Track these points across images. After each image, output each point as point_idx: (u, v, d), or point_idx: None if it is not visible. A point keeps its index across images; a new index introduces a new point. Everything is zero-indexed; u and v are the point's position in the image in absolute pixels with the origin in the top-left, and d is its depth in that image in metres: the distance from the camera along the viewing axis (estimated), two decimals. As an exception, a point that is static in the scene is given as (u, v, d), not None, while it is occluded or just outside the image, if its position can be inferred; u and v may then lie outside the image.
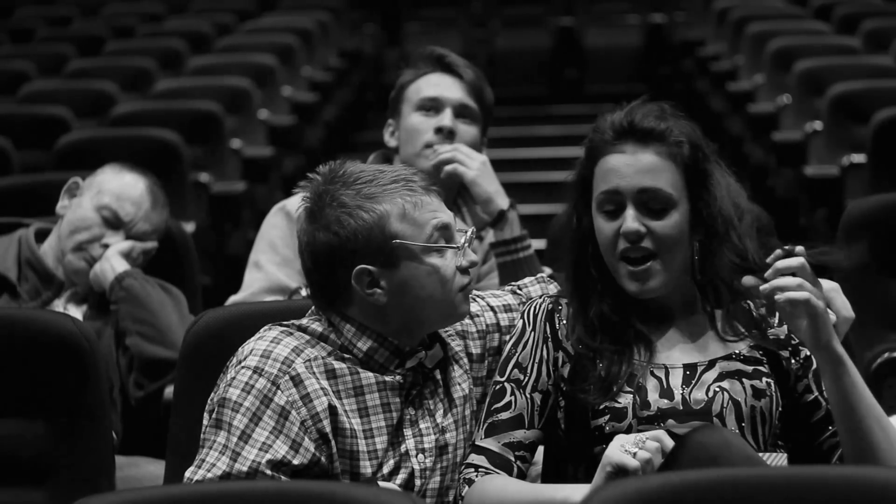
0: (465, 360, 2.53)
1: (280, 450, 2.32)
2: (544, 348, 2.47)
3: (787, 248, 2.30)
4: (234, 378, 2.36)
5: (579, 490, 2.29)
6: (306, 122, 7.98)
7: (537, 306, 2.50)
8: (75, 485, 2.71)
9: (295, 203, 3.14)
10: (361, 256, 2.38)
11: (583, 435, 2.41)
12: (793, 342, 2.45)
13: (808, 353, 2.44)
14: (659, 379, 2.40)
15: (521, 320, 2.50)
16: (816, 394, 2.44)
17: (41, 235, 3.51)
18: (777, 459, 2.33)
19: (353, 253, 2.38)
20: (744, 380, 2.40)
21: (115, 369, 3.35)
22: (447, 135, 3.26)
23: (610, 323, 2.43)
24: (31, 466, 2.75)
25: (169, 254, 3.61)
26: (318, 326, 2.43)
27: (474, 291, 2.65)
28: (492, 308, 2.59)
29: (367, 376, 2.41)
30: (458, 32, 11.18)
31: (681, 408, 2.38)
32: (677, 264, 2.40)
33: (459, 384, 2.51)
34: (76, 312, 3.41)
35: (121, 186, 3.47)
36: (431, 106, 3.30)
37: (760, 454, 2.31)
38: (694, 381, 2.40)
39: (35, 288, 3.42)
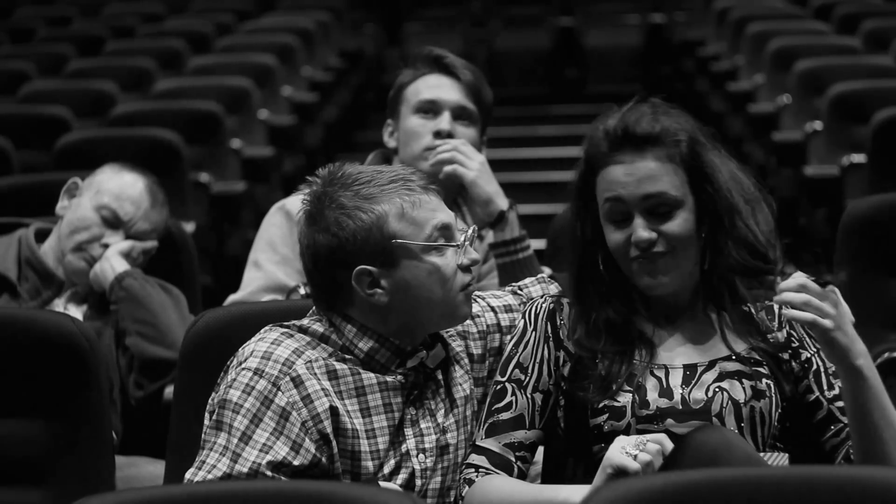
0: (466, 360, 2.53)
1: (280, 451, 2.32)
2: (545, 348, 2.47)
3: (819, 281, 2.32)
4: (234, 379, 2.36)
5: (579, 491, 2.29)
6: (306, 122, 7.98)
7: (538, 306, 2.50)
8: (75, 485, 2.70)
9: (294, 202, 3.15)
10: (361, 257, 2.38)
11: (582, 434, 2.41)
12: (793, 345, 2.45)
13: (808, 356, 2.44)
14: (659, 378, 2.40)
15: (523, 320, 2.50)
16: (817, 394, 2.44)
17: (41, 235, 3.51)
18: (778, 459, 2.33)
19: (353, 254, 2.38)
20: (744, 380, 2.40)
21: (115, 369, 3.35)
22: (445, 138, 3.26)
23: (614, 326, 2.43)
24: (31, 466, 2.75)
25: (169, 254, 3.61)
26: (318, 327, 2.43)
27: (475, 292, 2.65)
28: (492, 308, 2.59)
29: (369, 377, 2.41)
30: (458, 32, 11.18)
31: (680, 407, 2.38)
32: (689, 260, 2.41)
33: (461, 384, 2.51)
34: (76, 312, 3.41)
35: (120, 186, 3.47)
36: (430, 108, 3.30)
37: (761, 454, 2.31)
38: (694, 381, 2.40)
39: (35, 287, 3.42)
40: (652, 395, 2.38)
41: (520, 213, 3.27)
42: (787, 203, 6.59)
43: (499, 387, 2.47)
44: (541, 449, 2.53)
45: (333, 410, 2.36)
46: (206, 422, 2.38)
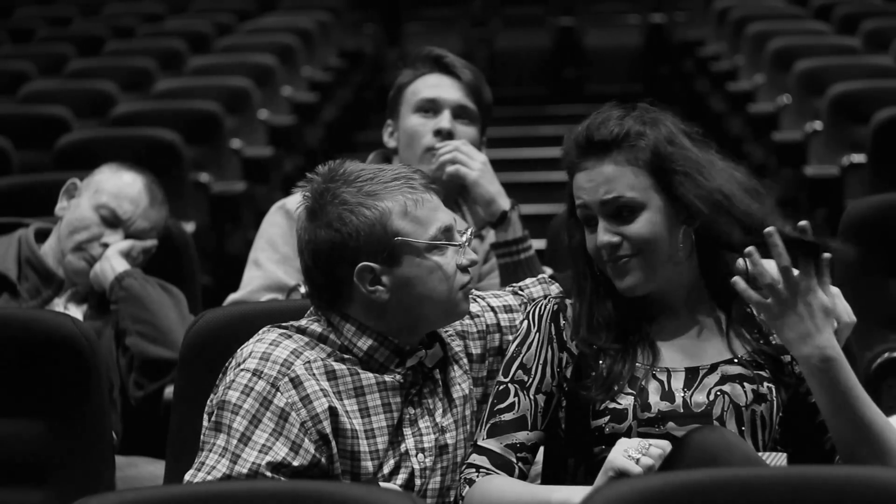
0: (465, 360, 2.53)
1: (280, 451, 2.32)
2: (549, 349, 2.47)
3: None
4: (233, 381, 2.36)
5: (579, 491, 2.29)
6: (306, 122, 7.98)
7: (542, 307, 2.50)
8: (75, 485, 2.71)
9: (295, 202, 3.14)
10: (363, 253, 2.38)
11: (583, 435, 2.41)
12: None
13: None
14: (660, 381, 2.40)
15: (526, 321, 2.50)
16: None
17: (41, 235, 3.51)
18: (777, 459, 2.33)
19: (355, 250, 2.38)
20: (745, 384, 2.40)
21: (115, 369, 3.35)
22: (446, 137, 3.27)
23: (615, 323, 2.43)
24: (31, 466, 2.75)
25: (169, 254, 3.61)
26: (317, 327, 2.43)
27: (475, 292, 2.65)
28: (492, 308, 2.59)
29: (367, 377, 2.41)
30: (458, 32, 11.18)
31: (681, 410, 2.38)
32: (660, 260, 2.40)
33: (459, 384, 2.51)
34: (76, 312, 3.41)
35: (118, 185, 3.47)
36: (430, 107, 3.30)
37: (760, 454, 2.31)
38: (695, 384, 2.40)
39: (35, 287, 3.42)
40: (654, 397, 2.38)
41: (521, 213, 3.27)
42: (787, 203, 6.59)
43: (501, 387, 2.47)
44: (541, 449, 2.53)
45: (332, 411, 2.36)
46: (205, 423, 2.38)
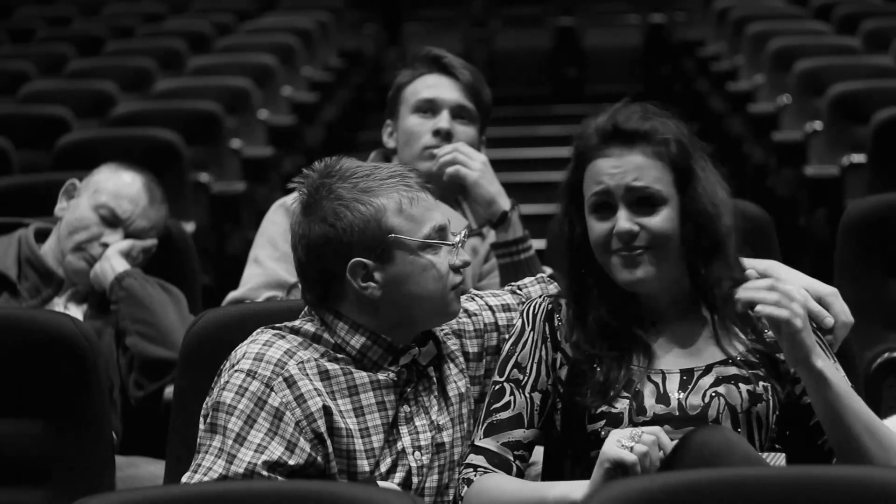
0: (462, 358, 2.54)
1: (276, 451, 2.32)
2: (543, 349, 2.47)
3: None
4: (227, 382, 2.37)
5: (578, 487, 2.29)
6: (306, 122, 7.98)
7: (537, 306, 2.50)
8: (75, 485, 2.71)
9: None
10: (357, 249, 2.39)
11: (579, 438, 2.41)
12: None
13: None
14: (656, 384, 2.40)
15: (521, 320, 2.51)
16: None
17: (41, 235, 3.51)
18: (776, 459, 2.33)
19: (349, 245, 2.39)
20: (740, 384, 2.40)
21: (115, 369, 3.35)
22: (444, 137, 3.27)
23: (609, 328, 2.43)
24: (31, 466, 2.75)
25: (169, 254, 3.61)
26: (310, 327, 2.43)
27: (473, 290, 2.65)
28: (490, 307, 2.59)
29: (361, 375, 2.41)
30: (458, 32, 11.18)
31: (677, 413, 2.38)
32: (669, 258, 2.40)
33: (455, 382, 2.51)
34: (76, 312, 3.41)
35: (117, 185, 3.47)
36: (428, 108, 3.30)
37: (760, 454, 2.30)
38: (690, 387, 2.40)
39: (35, 286, 3.42)
40: (649, 401, 2.38)
41: (521, 213, 3.27)
42: (787, 203, 6.59)
43: (497, 387, 2.47)
44: (540, 449, 2.53)
45: (327, 410, 2.36)
46: (201, 426, 2.38)
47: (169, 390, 3.25)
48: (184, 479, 2.33)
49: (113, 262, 3.39)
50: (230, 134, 6.46)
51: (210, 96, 6.63)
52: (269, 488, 2.11)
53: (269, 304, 3.00)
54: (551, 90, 10.90)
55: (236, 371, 2.37)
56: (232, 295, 3.33)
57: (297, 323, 2.45)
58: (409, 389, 2.45)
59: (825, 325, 2.48)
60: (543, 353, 2.47)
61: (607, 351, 2.42)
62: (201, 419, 2.39)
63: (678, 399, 2.38)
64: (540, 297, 2.55)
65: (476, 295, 2.61)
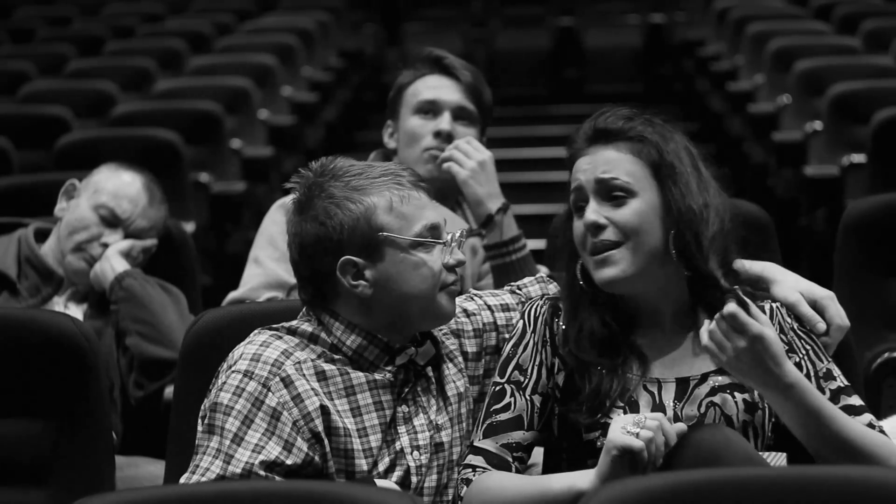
0: (460, 358, 2.54)
1: (273, 451, 2.32)
2: (543, 352, 2.47)
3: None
4: (224, 382, 2.37)
5: (583, 476, 2.29)
6: (306, 122, 7.98)
7: (538, 308, 2.50)
8: (75, 485, 2.71)
9: (293, 199, 3.15)
10: (347, 247, 2.39)
11: (576, 447, 2.41)
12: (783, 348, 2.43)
13: (798, 360, 2.43)
14: (651, 394, 2.40)
15: (522, 321, 2.50)
16: None
17: (40, 235, 3.52)
18: (777, 459, 2.33)
19: (339, 243, 2.39)
20: (735, 393, 2.40)
21: (115, 369, 3.35)
22: (445, 138, 3.27)
23: (601, 335, 2.43)
24: (31, 466, 2.75)
25: (169, 254, 3.61)
26: (308, 327, 2.44)
27: (472, 290, 2.65)
28: (489, 307, 2.59)
29: (357, 376, 2.41)
30: (458, 32, 11.18)
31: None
32: (644, 255, 2.39)
33: (454, 382, 2.51)
34: (76, 311, 3.41)
35: (117, 185, 3.47)
36: (429, 109, 3.30)
37: (761, 453, 2.30)
38: (686, 396, 2.40)
39: (35, 285, 3.42)
40: (645, 411, 2.37)
41: (521, 213, 3.27)
42: (787, 203, 6.59)
43: (497, 388, 2.47)
44: (539, 450, 2.53)
45: (324, 409, 2.36)
46: (199, 427, 2.39)
47: (169, 390, 3.25)
48: (182, 479, 2.34)
49: (113, 262, 3.39)
50: (230, 134, 6.47)
51: (210, 96, 6.63)
52: (268, 488, 2.11)
53: (269, 305, 3.00)
54: (551, 90, 10.90)
55: (233, 372, 2.37)
56: (232, 295, 3.33)
57: (294, 323, 2.45)
58: (407, 389, 2.45)
59: (817, 331, 2.48)
60: (544, 356, 2.47)
61: (598, 358, 2.41)
62: (199, 420, 2.40)
63: (674, 409, 2.38)
64: (541, 297, 2.54)
65: (475, 295, 2.61)
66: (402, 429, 2.43)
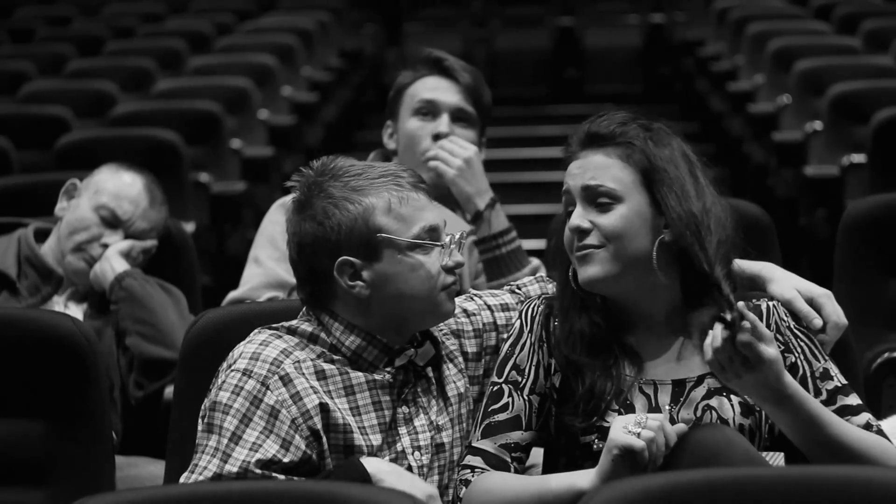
0: (460, 358, 2.53)
1: (270, 449, 2.32)
2: (540, 352, 2.47)
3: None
4: (223, 381, 2.37)
5: (583, 476, 2.29)
6: (306, 122, 7.98)
7: (535, 307, 2.50)
8: (75, 485, 2.71)
9: (294, 199, 3.15)
10: (345, 248, 2.40)
11: (572, 449, 2.41)
12: (779, 349, 2.42)
13: (794, 360, 2.43)
14: (647, 396, 2.40)
15: (519, 321, 2.50)
16: None
17: (40, 235, 3.52)
18: (775, 459, 2.33)
19: (336, 244, 2.40)
20: (732, 396, 2.39)
21: (115, 369, 3.35)
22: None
23: (592, 338, 2.42)
24: (31, 466, 2.75)
25: (169, 254, 3.61)
26: (307, 327, 2.44)
27: (472, 290, 2.65)
28: (489, 307, 2.59)
29: (357, 376, 2.41)
30: (458, 32, 11.18)
31: None
32: (627, 259, 2.39)
33: (454, 382, 2.51)
34: (76, 311, 3.41)
35: (118, 185, 3.47)
36: (428, 110, 3.31)
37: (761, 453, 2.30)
38: (682, 399, 2.40)
39: (34, 285, 3.42)
40: (641, 413, 2.37)
41: (521, 213, 3.27)
42: (787, 203, 6.59)
43: (495, 388, 2.47)
44: (539, 450, 2.52)
45: (323, 407, 2.36)
46: (199, 427, 2.39)
47: (169, 390, 3.25)
48: (181, 479, 2.34)
49: (113, 262, 3.39)
50: (230, 134, 6.46)
51: (210, 96, 6.63)
52: (268, 488, 2.11)
53: (269, 305, 3.00)
54: (551, 90, 10.90)
55: (232, 370, 2.37)
56: (232, 295, 3.33)
57: (294, 323, 2.45)
58: (407, 390, 2.45)
59: (813, 327, 2.48)
60: (540, 356, 2.46)
61: (588, 359, 2.41)
62: (199, 420, 2.40)
63: (670, 413, 2.38)
64: (539, 297, 2.54)
65: (475, 295, 2.61)
66: (402, 430, 2.43)
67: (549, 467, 2.50)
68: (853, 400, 2.42)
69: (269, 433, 2.33)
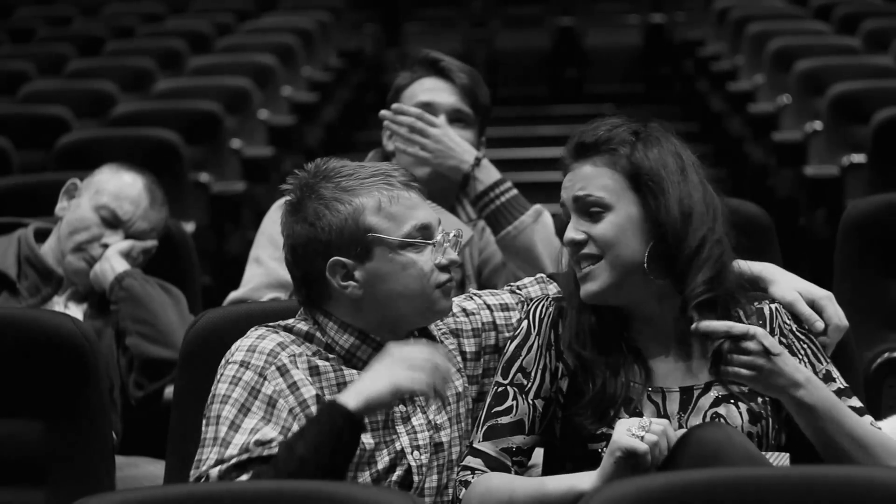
0: (459, 358, 2.53)
1: (269, 433, 2.33)
2: (547, 356, 2.46)
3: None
4: (222, 374, 2.39)
5: (584, 477, 2.29)
6: (306, 122, 7.99)
7: (543, 309, 2.49)
8: (75, 485, 2.71)
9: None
10: (336, 248, 2.40)
11: (579, 455, 2.40)
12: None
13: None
14: (656, 404, 2.40)
15: (526, 321, 2.49)
16: None
17: (40, 235, 3.52)
18: (780, 459, 2.33)
19: (328, 245, 2.40)
20: (740, 404, 2.39)
21: (115, 369, 3.35)
22: None
23: (604, 336, 2.42)
24: (31, 466, 2.75)
25: (169, 254, 3.61)
26: (303, 326, 2.45)
27: (472, 290, 2.65)
28: (488, 306, 2.59)
29: (351, 373, 2.42)
30: (458, 32, 11.18)
31: None
32: (624, 268, 2.39)
33: (452, 381, 2.51)
34: (76, 311, 3.41)
35: (119, 186, 3.47)
36: (426, 111, 3.30)
37: (763, 453, 2.30)
38: (691, 407, 2.39)
39: (34, 285, 3.42)
40: None
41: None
42: (787, 203, 6.59)
43: (500, 389, 2.47)
44: (540, 451, 2.52)
45: (319, 398, 2.37)
46: (203, 426, 2.39)
47: (169, 390, 3.25)
48: (191, 477, 2.34)
49: (113, 262, 3.39)
50: (230, 134, 6.47)
51: (210, 96, 6.63)
52: (268, 488, 2.11)
53: (269, 305, 3.00)
54: (551, 90, 10.90)
55: (230, 363, 2.39)
56: (233, 295, 3.33)
57: (290, 322, 2.46)
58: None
59: (815, 330, 2.48)
60: (548, 359, 2.46)
61: (597, 356, 2.41)
62: (203, 420, 2.40)
63: (679, 421, 2.38)
64: (546, 298, 2.53)
65: (474, 294, 2.61)
66: (401, 429, 2.43)
67: (550, 468, 2.49)
68: (855, 402, 2.42)
69: (267, 421, 2.34)
